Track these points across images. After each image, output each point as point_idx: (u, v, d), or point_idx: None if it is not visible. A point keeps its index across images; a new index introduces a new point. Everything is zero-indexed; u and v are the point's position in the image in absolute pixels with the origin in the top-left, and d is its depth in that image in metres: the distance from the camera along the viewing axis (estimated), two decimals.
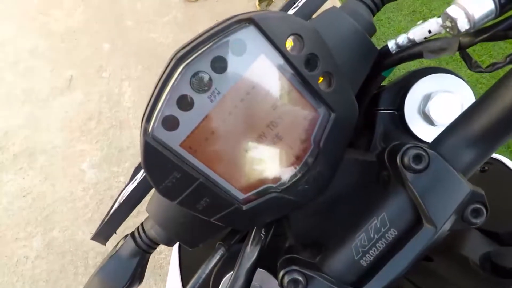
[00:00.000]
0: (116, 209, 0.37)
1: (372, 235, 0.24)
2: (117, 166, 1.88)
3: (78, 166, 1.92)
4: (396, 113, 0.35)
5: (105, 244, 0.38)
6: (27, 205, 1.82)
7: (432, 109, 0.33)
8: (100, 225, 0.38)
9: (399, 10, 2.11)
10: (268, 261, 0.36)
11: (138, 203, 0.38)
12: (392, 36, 2.05)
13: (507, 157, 0.50)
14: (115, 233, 0.38)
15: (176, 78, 0.22)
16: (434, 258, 0.42)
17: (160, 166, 0.23)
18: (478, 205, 0.23)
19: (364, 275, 0.24)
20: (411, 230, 0.24)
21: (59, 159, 1.95)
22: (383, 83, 0.36)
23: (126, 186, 0.43)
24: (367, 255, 0.24)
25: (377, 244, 0.24)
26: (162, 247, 1.59)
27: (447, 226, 0.23)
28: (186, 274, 0.56)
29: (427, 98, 0.33)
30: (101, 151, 1.95)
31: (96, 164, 1.91)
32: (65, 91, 2.15)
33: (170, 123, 0.23)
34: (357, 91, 0.30)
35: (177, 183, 0.24)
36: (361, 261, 0.24)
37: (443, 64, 1.78)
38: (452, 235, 0.47)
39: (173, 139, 0.23)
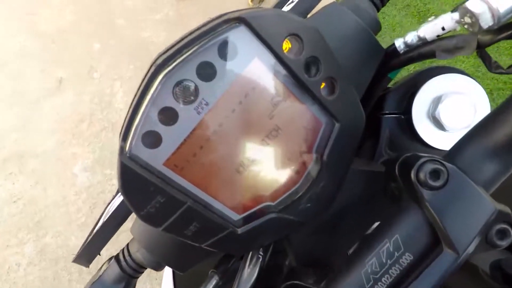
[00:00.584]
0: (99, 228, 0.34)
1: (384, 260, 0.22)
2: (110, 169, 1.84)
3: (70, 170, 1.88)
4: (402, 117, 0.32)
5: (88, 267, 0.34)
6: (18, 211, 1.77)
7: (443, 112, 0.30)
8: (82, 245, 0.34)
9: (393, 4, 2.09)
10: (267, 280, 0.34)
11: (125, 220, 0.35)
12: (388, 31, 2.03)
13: None
14: (99, 254, 0.35)
15: (156, 88, 0.19)
16: None
17: (141, 190, 0.20)
18: (504, 225, 0.21)
19: None
20: (429, 255, 0.21)
21: (50, 163, 1.91)
22: (388, 85, 0.33)
23: (112, 199, 0.40)
24: (379, 283, 0.22)
25: (390, 271, 0.21)
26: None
27: (470, 250, 0.21)
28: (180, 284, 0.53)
29: (437, 100, 0.30)
30: (94, 153, 1.90)
31: (89, 167, 1.87)
32: (55, 92, 2.10)
33: (151, 139, 0.20)
34: (363, 94, 0.27)
35: (162, 208, 0.21)
36: None
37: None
38: None
39: (156, 158, 0.20)
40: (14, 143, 1.95)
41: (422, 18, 2.03)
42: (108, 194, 1.79)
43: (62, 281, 1.60)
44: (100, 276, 0.30)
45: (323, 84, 0.22)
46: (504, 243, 0.21)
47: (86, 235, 0.36)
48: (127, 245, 0.30)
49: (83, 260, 0.34)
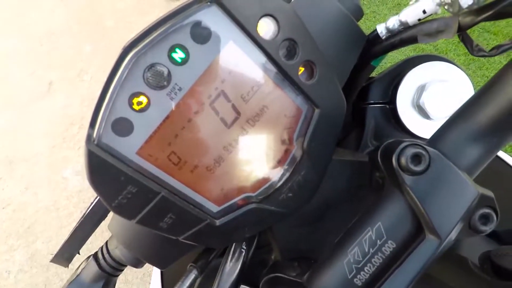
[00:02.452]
0: (77, 227, 0.33)
1: (366, 249, 0.21)
2: None
3: (61, 174, 1.85)
4: (387, 106, 0.32)
5: (67, 267, 0.33)
6: (7, 217, 1.74)
7: (427, 101, 0.29)
8: (62, 245, 0.33)
9: (384, 3, 2.10)
10: (252, 276, 0.33)
11: (104, 218, 0.34)
12: None
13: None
14: (79, 253, 0.33)
15: (124, 72, 0.18)
16: None
17: (111, 179, 0.19)
18: (487, 210, 0.20)
19: None
20: (411, 242, 0.21)
21: (40, 167, 1.88)
22: (372, 74, 0.33)
23: (96, 198, 0.39)
24: (361, 273, 0.21)
25: (372, 260, 0.21)
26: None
27: (453, 235, 0.20)
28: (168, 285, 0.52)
29: (421, 89, 0.30)
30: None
31: (80, 171, 1.85)
32: (45, 95, 2.07)
33: (122, 127, 0.19)
34: (344, 84, 0.27)
35: (134, 198, 0.20)
36: (355, 279, 0.21)
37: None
38: None
39: (127, 146, 0.19)
40: (3, 148, 1.92)
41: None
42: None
43: None
44: (78, 275, 0.29)
45: (301, 69, 0.21)
46: (487, 228, 0.20)
47: None
48: (106, 242, 0.29)
49: (61, 260, 0.33)
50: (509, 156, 0.45)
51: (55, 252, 0.33)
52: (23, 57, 2.19)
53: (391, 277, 0.20)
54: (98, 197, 0.33)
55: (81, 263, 0.30)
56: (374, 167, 0.24)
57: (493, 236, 0.39)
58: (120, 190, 0.19)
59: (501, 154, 0.46)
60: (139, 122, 0.19)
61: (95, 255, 0.29)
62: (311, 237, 0.28)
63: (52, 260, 0.33)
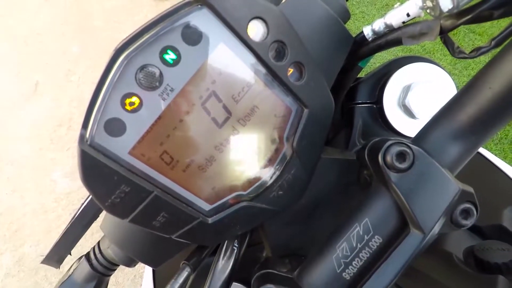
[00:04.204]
0: (68, 228, 0.33)
1: (354, 244, 0.22)
2: None
3: (49, 176, 1.82)
4: (375, 106, 0.32)
5: (58, 268, 0.33)
6: None
7: (413, 101, 0.30)
8: (52, 246, 0.33)
9: (372, 4, 2.13)
10: (244, 273, 0.33)
11: (95, 219, 0.34)
12: None
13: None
14: (70, 254, 0.33)
15: (116, 73, 0.18)
16: None
17: (104, 179, 0.19)
18: (468, 205, 0.21)
19: None
20: (397, 237, 0.21)
21: (28, 170, 1.84)
22: (359, 75, 0.34)
23: (87, 199, 0.39)
24: (350, 267, 0.22)
25: (360, 254, 0.22)
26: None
27: (436, 230, 0.21)
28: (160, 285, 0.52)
29: (406, 89, 0.31)
30: (74, 159, 1.85)
31: (68, 172, 1.82)
32: (31, 96, 2.04)
33: (115, 127, 0.19)
34: (332, 84, 0.27)
35: (127, 198, 0.20)
36: (343, 274, 0.22)
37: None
38: None
39: (120, 146, 0.20)
40: None
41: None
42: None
43: None
44: (70, 275, 0.29)
45: (290, 70, 0.22)
46: (468, 222, 0.21)
47: None
48: (98, 242, 0.29)
49: (52, 261, 0.33)
50: (489, 153, 0.46)
51: (44, 255, 0.32)
52: (9, 58, 2.14)
53: (378, 270, 0.21)
54: (89, 198, 0.33)
55: (73, 264, 0.30)
56: (361, 165, 0.25)
57: (476, 231, 0.41)
58: (113, 190, 0.19)
59: (482, 150, 0.47)
60: (131, 123, 0.19)
61: (87, 255, 0.29)
62: (301, 235, 0.29)
63: (43, 262, 0.32)
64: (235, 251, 0.27)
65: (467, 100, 0.21)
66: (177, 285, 0.26)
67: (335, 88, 0.29)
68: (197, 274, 0.29)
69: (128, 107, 0.19)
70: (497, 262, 0.34)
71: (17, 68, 2.10)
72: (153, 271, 0.53)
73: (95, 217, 0.34)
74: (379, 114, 0.32)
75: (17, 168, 1.84)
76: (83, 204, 0.33)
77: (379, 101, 0.32)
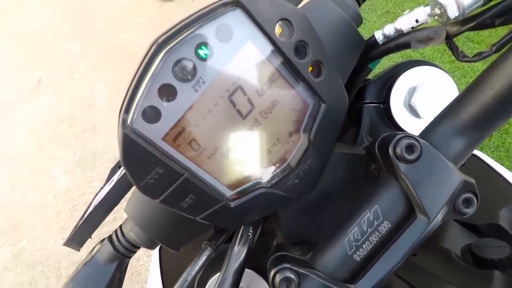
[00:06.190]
0: (91, 212, 0.34)
1: (365, 229, 0.24)
2: (91, 171, 1.81)
3: (48, 173, 1.83)
4: (382, 106, 0.35)
5: (79, 250, 0.35)
6: None
7: (418, 101, 0.33)
8: (73, 229, 0.35)
9: (373, 10, 2.17)
10: (255, 261, 0.35)
11: (115, 205, 0.35)
12: (368, 36, 2.11)
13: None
14: (90, 237, 0.35)
15: (158, 65, 0.20)
16: (418, 252, 0.42)
17: (141, 160, 0.21)
18: (469, 195, 0.23)
19: (358, 270, 0.23)
20: (404, 222, 0.23)
21: (27, 166, 1.85)
22: (368, 77, 0.36)
23: (102, 188, 0.40)
24: (360, 250, 0.24)
25: (370, 238, 0.24)
26: (140, 254, 1.53)
27: (440, 216, 0.23)
28: (167, 280, 0.53)
29: (412, 91, 0.33)
30: (74, 156, 1.86)
31: (68, 169, 1.83)
32: (33, 95, 2.05)
33: (151, 115, 0.21)
34: (346, 83, 0.30)
35: (160, 179, 0.22)
36: (354, 255, 0.24)
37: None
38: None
39: (155, 133, 0.21)
40: None
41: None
42: (89, 197, 1.75)
43: (38, 287, 1.55)
44: (93, 256, 0.30)
45: (311, 68, 0.24)
46: (469, 211, 0.23)
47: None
48: (120, 225, 0.31)
49: (74, 244, 0.34)
50: (487, 156, 0.49)
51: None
52: (11, 57, 2.15)
53: (387, 252, 0.23)
54: (112, 185, 0.35)
55: (95, 245, 0.31)
56: (370, 159, 0.27)
57: (474, 230, 0.43)
58: (148, 171, 0.21)
59: (479, 154, 0.50)
60: (166, 111, 0.21)
61: (109, 238, 0.31)
62: (311, 224, 0.30)
63: (65, 244, 0.34)
64: (250, 237, 0.29)
65: (470, 99, 0.23)
66: (201, 262, 0.27)
67: (347, 86, 0.31)
68: (209, 263, 0.31)
69: (164, 97, 0.21)
70: (493, 258, 0.36)
71: (20, 67, 2.12)
72: (161, 269, 0.54)
73: (116, 203, 0.35)
74: (385, 113, 0.34)
75: (16, 164, 1.85)
76: (100, 190, 0.35)
77: (386, 101, 0.34)
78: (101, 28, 2.20)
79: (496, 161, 0.49)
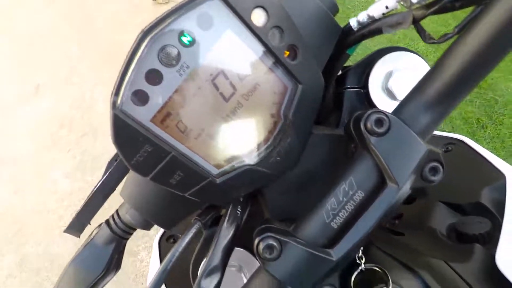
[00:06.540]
0: (89, 199, 0.36)
1: (341, 198, 0.26)
2: (92, 175, 1.82)
3: (50, 177, 1.85)
4: (362, 91, 0.37)
5: (79, 237, 0.37)
6: None
7: (394, 85, 0.34)
8: (73, 217, 0.37)
9: (367, 7, 2.19)
10: (247, 241, 0.37)
11: (112, 192, 0.37)
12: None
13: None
14: (89, 224, 0.37)
15: (143, 51, 0.22)
16: (405, 232, 0.44)
17: (131, 139, 0.23)
18: (436, 164, 0.25)
19: (335, 236, 0.25)
20: (377, 191, 0.25)
21: (29, 170, 1.87)
22: (349, 64, 0.38)
23: (100, 181, 0.42)
24: (337, 217, 0.25)
25: (346, 207, 0.25)
26: (143, 255, 1.55)
27: (408, 184, 0.25)
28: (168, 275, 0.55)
29: (389, 75, 0.35)
30: (74, 159, 1.88)
31: (70, 173, 1.85)
32: (33, 97, 2.07)
33: (140, 97, 0.23)
34: (324, 70, 0.32)
35: (149, 157, 0.24)
36: (331, 223, 0.25)
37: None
38: (420, 210, 0.50)
39: (143, 114, 0.23)
40: None
41: None
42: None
43: None
44: (92, 239, 0.32)
45: (287, 53, 0.26)
46: (436, 178, 0.25)
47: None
48: (117, 210, 0.33)
49: (73, 230, 0.36)
50: (469, 139, 0.50)
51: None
52: (10, 58, 2.17)
53: (361, 218, 0.25)
54: (109, 172, 0.37)
55: (94, 229, 0.33)
56: (349, 139, 0.28)
57: (458, 209, 0.45)
58: (138, 149, 0.23)
59: (463, 138, 0.52)
60: (153, 94, 0.23)
61: (107, 221, 0.33)
62: (296, 203, 0.32)
63: (65, 231, 0.36)
64: (238, 215, 0.31)
65: (433, 77, 0.25)
66: (190, 236, 0.29)
67: (327, 73, 0.33)
68: (204, 244, 0.33)
69: (151, 81, 0.23)
70: (475, 233, 0.38)
71: (19, 69, 2.14)
72: (161, 261, 0.56)
73: (113, 189, 0.37)
74: (365, 97, 0.36)
75: (18, 168, 1.87)
76: (103, 177, 0.37)
77: (365, 86, 0.36)
78: (100, 30, 2.23)
79: (491, 152, 0.51)
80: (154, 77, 0.23)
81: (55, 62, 2.15)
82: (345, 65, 0.38)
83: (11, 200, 1.78)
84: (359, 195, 0.25)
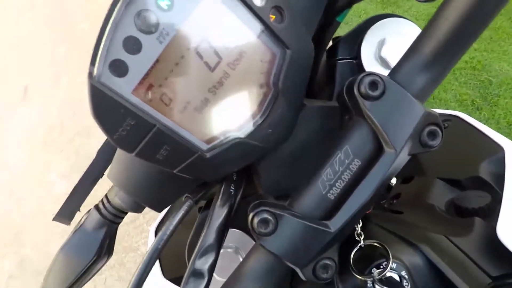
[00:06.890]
0: (76, 186, 0.35)
1: (337, 168, 0.24)
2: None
3: (45, 179, 1.83)
4: (354, 61, 0.35)
5: (69, 224, 0.35)
6: None
7: (388, 53, 0.33)
8: (62, 205, 0.35)
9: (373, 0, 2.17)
10: (242, 222, 0.36)
11: (101, 177, 0.36)
12: (354, 17, 2.10)
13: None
14: (79, 210, 0.36)
15: (117, 15, 0.21)
16: (404, 211, 0.44)
17: (111, 112, 0.22)
18: (434, 127, 0.24)
19: (332, 208, 0.24)
20: (374, 158, 0.24)
21: (23, 173, 1.85)
22: (340, 34, 0.36)
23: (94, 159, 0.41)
24: (334, 188, 0.24)
25: (342, 176, 0.24)
26: (143, 250, 1.54)
27: (406, 149, 0.24)
28: (164, 260, 0.54)
29: (381, 43, 0.34)
30: (69, 160, 1.86)
31: (65, 174, 1.82)
32: (21, 101, 2.03)
33: (118, 68, 0.22)
34: (315, 39, 0.30)
35: (133, 130, 0.22)
36: (328, 194, 0.24)
37: None
38: (418, 188, 0.49)
39: (123, 86, 0.22)
40: None
41: (385, 4, 2.14)
42: (88, 199, 1.75)
43: None
44: (82, 224, 0.31)
45: (273, 17, 0.24)
46: (435, 143, 0.24)
47: None
48: (106, 194, 0.32)
49: (63, 218, 0.35)
50: (466, 115, 0.50)
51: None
52: None
53: (358, 188, 0.24)
54: (95, 158, 0.36)
55: (83, 215, 0.32)
56: (343, 109, 0.27)
57: (457, 185, 0.44)
58: (120, 123, 0.22)
59: (460, 114, 0.51)
60: (132, 64, 0.22)
61: (96, 206, 0.32)
62: (290, 178, 0.31)
63: (55, 219, 0.35)
64: (232, 193, 0.30)
65: (428, 35, 0.24)
66: (181, 213, 0.28)
67: (318, 43, 0.32)
68: (197, 227, 0.31)
69: (129, 49, 0.21)
70: (474, 207, 0.37)
71: (5, 74, 2.10)
72: (160, 259, 0.55)
73: (102, 172, 0.36)
74: (358, 68, 0.35)
75: (12, 171, 1.85)
76: (91, 163, 0.36)
77: (357, 56, 0.35)
78: (86, 31, 2.19)
79: None
80: (132, 45, 0.21)
81: (41, 66, 2.11)
82: (336, 35, 0.36)
83: (7, 204, 1.76)
84: (356, 164, 0.24)
